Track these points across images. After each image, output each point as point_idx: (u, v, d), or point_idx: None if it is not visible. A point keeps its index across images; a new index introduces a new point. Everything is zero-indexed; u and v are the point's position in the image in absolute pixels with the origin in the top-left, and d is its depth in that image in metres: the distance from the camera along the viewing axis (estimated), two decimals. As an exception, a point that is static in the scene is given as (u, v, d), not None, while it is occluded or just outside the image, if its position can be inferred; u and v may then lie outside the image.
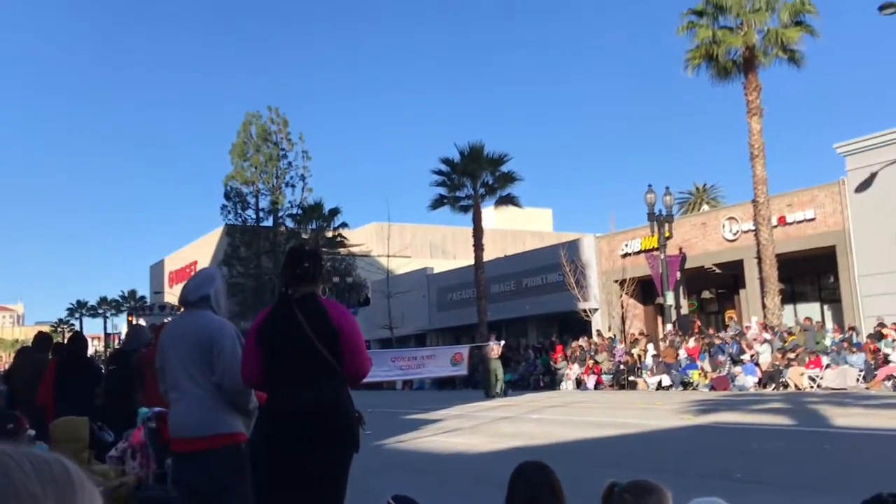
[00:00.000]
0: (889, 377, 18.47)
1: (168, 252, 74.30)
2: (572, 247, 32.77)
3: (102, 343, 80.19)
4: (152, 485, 5.39)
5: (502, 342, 26.82)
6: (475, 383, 27.65)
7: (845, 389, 18.72)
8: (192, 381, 3.86)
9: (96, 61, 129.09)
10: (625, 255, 30.56)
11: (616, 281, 30.45)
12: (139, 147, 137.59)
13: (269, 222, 48.02)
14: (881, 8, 19.53)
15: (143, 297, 78.75)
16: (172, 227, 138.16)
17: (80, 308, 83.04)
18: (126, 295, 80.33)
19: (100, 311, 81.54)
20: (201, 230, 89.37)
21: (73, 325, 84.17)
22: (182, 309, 4.23)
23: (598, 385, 25.30)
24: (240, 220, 47.96)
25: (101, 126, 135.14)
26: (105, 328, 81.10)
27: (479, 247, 33.95)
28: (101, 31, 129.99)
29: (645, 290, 30.58)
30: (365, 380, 16.55)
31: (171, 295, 58.33)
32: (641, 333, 28.39)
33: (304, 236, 43.73)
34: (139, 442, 5.84)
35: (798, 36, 24.11)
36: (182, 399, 3.88)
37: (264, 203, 48.02)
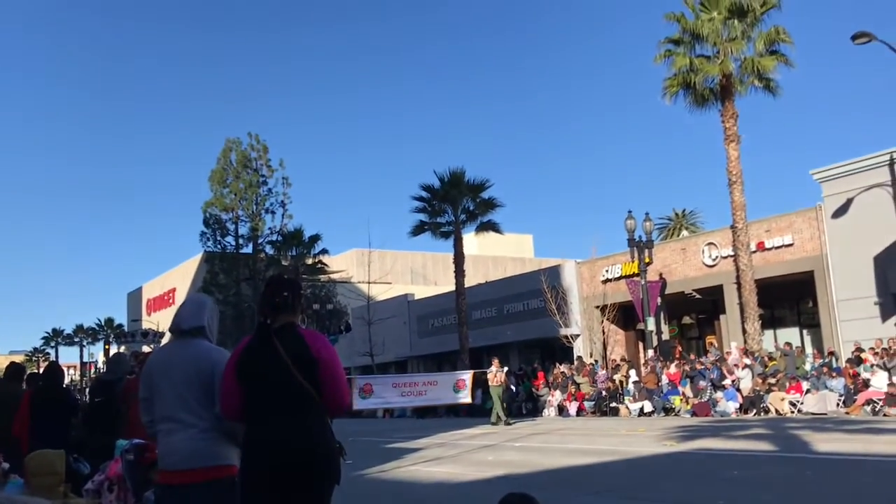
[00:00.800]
0: (868, 402, 18.57)
1: (146, 279, 73.78)
2: (553, 273, 32.86)
3: (79, 372, 79.13)
4: (129, 519, 5.27)
5: (505, 368, 25.95)
6: (480, 411, 26.36)
7: (826, 414, 18.81)
8: (189, 411, 3.77)
9: (73, 82, 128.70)
10: (606, 281, 30.67)
11: (597, 307, 30.53)
12: (115, 172, 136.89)
13: (248, 249, 47.78)
14: (854, 37, 19.91)
15: (120, 325, 77.90)
16: (150, 254, 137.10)
17: (55, 336, 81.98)
18: (103, 323, 79.40)
19: (76, 339, 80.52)
20: (180, 257, 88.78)
21: (48, 353, 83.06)
22: (170, 336, 4.17)
23: (580, 411, 25.24)
24: (219, 246, 47.66)
25: (76, 149, 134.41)
26: (81, 357, 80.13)
27: (460, 273, 33.94)
28: (80, 52, 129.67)
29: (626, 315, 30.67)
30: (367, 407, 18.43)
31: (149, 322, 57.81)
32: (623, 359, 28.42)
33: (285, 263, 43.53)
34: (116, 474, 5.73)
35: (773, 65, 24.50)
36: (177, 430, 3.78)
37: (244, 230, 47.82)
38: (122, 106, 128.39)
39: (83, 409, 7.90)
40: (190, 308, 4.12)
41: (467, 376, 21.70)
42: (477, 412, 26.75)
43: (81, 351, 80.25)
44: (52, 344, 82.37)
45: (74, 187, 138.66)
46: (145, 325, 60.48)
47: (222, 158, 48.06)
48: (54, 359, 70.95)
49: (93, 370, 73.74)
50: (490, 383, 23.00)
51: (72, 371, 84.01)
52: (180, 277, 60.72)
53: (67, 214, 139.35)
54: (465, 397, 21.34)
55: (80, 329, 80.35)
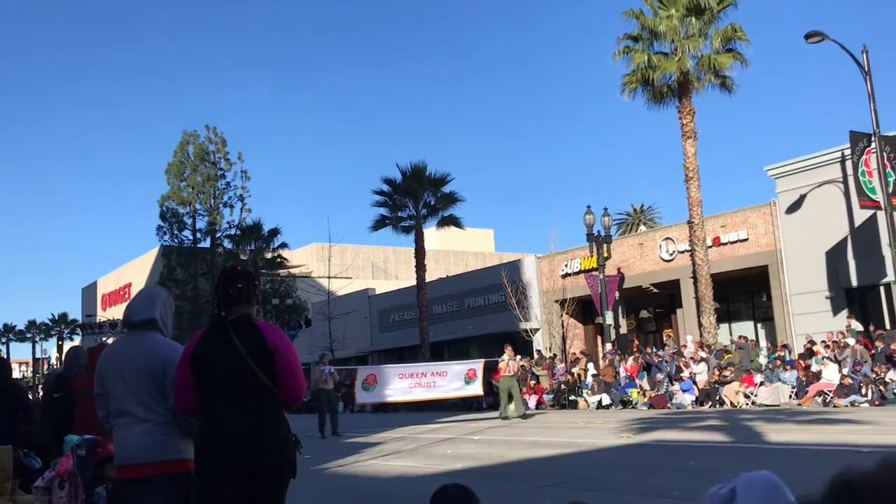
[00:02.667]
0: (819, 393, 19.00)
1: (101, 273, 72.36)
2: (513, 267, 33.01)
3: (31, 368, 77.44)
4: (80, 515, 5.17)
5: (518, 357, 23.81)
6: (491, 405, 24.88)
7: (778, 406, 19.20)
8: (141, 405, 3.73)
9: (28, 69, 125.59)
10: (565, 276, 30.90)
11: (557, 301, 30.75)
12: (67, 163, 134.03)
13: (206, 243, 47.19)
14: (807, 36, 20.29)
15: (74, 320, 76.42)
16: (105, 249, 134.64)
17: (7, 332, 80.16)
18: (56, 318, 77.82)
19: (28, 335, 78.82)
20: (136, 251, 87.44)
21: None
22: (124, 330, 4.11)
23: (539, 405, 25.41)
24: (176, 241, 46.99)
25: (27, 142, 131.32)
26: (34, 353, 78.46)
27: (421, 267, 33.92)
28: (36, 37, 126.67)
29: (585, 309, 30.96)
30: (371, 401, 20.61)
31: (104, 318, 56.74)
32: (582, 353, 28.67)
33: (243, 257, 43.07)
34: (67, 471, 5.61)
35: (729, 62, 24.85)
36: (130, 424, 3.74)
37: (201, 224, 47.22)
38: (76, 96, 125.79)
39: (44, 406, 7.72)
40: (141, 300, 4.06)
41: (478, 366, 20.90)
42: (472, 405, 26.66)
43: (34, 347, 78.66)
44: (4, 340, 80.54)
45: (25, 179, 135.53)
46: (100, 320, 59.41)
47: (179, 151, 47.34)
48: (5, 355, 69.37)
49: (46, 366, 72.24)
50: (502, 373, 20.99)
51: (24, 367, 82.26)
52: (136, 272, 59.70)
53: (19, 208, 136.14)
54: (477, 388, 20.51)
55: (32, 325, 78.73)
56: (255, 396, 3.52)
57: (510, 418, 19.94)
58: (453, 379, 19.92)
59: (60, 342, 71.25)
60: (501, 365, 20.89)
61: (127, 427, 3.75)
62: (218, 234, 46.66)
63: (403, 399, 21.12)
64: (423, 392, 20.08)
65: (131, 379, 3.76)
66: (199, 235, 47.13)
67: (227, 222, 46.74)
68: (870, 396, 17.98)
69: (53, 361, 71.70)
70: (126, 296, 61.38)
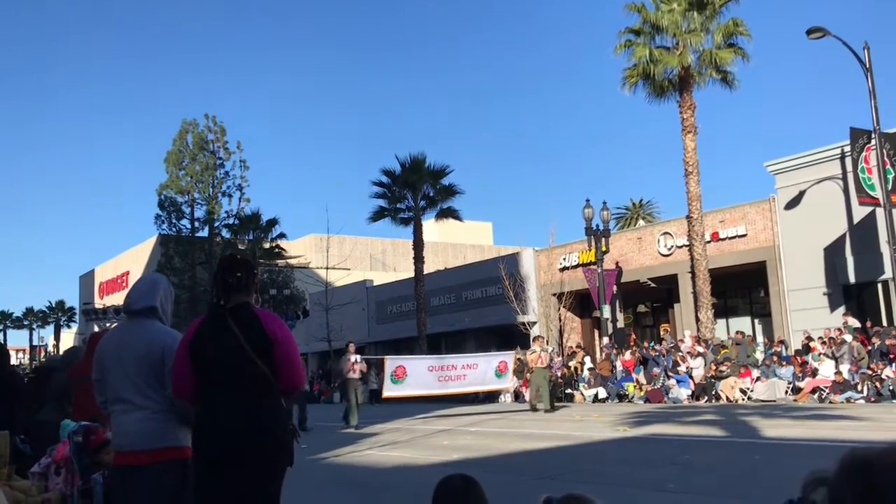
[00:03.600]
0: (815, 389, 19.04)
1: (99, 261, 72.38)
2: (511, 260, 33.01)
3: (28, 355, 77.46)
4: (77, 501, 5.18)
5: (551, 348, 22.94)
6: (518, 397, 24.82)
7: (774, 401, 19.24)
8: (140, 393, 3.73)
9: (21, 59, 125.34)
10: (563, 269, 30.91)
11: (554, 294, 30.78)
12: (66, 150, 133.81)
13: (204, 232, 47.11)
14: (809, 32, 20.26)
15: (71, 308, 76.47)
16: (103, 237, 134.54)
17: (3, 319, 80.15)
18: (54, 305, 77.79)
19: (25, 322, 78.81)
20: (134, 240, 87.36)
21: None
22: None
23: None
24: (174, 229, 46.90)
25: (27, 128, 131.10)
26: (31, 340, 78.48)
27: (419, 259, 33.92)
28: (34, 24, 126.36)
29: (582, 303, 30.98)
30: (399, 394, 19.10)
31: (108, 305, 56.72)
32: (579, 346, 28.70)
33: (241, 247, 43.05)
34: (64, 457, 5.62)
35: (731, 58, 24.82)
36: (129, 411, 3.74)
37: (200, 213, 47.13)
38: (75, 83, 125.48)
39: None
40: (142, 288, 4.05)
41: (509, 358, 20.11)
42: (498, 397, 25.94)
43: (31, 334, 78.66)
44: (1, 327, 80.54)
45: (25, 167, 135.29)
46: (105, 306, 59.39)
47: (178, 140, 47.20)
48: (2, 342, 69.38)
49: (42, 353, 72.25)
50: (531, 365, 20.15)
51: (21, 354, 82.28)
52: (134, 260, 59.67)
53: (17, 194, 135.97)
54: (507, 381, 19.79)
55: (29, 312, 78.70)
56: (254, 385, 3.53)
57: (539, 410, 19.15)
58: (484, 372, 19.10)
59: (58, 329, 71.30)
60: (532, 357, 20.14)
61: (125, 414, 3.75)
62: (216, 224, 46.59)
63: (433, 392, 20.36)
64: (453, 385, 19.24)
65: (130, 366, 3.76)
66: (197, 224, 47.06)
67: (226, 212, 46.68)
68: (865, 393, 18.01)
69: (50, 349, 71.72)
70: (124, 284, 61.39)
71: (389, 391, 19.45)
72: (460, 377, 18.78)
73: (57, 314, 77.24)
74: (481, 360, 20.03)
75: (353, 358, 18.02)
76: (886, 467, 0.83)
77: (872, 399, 17.79)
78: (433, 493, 2.86)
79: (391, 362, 19.44)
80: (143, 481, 3.64)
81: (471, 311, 34.75)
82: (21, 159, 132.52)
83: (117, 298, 55.95)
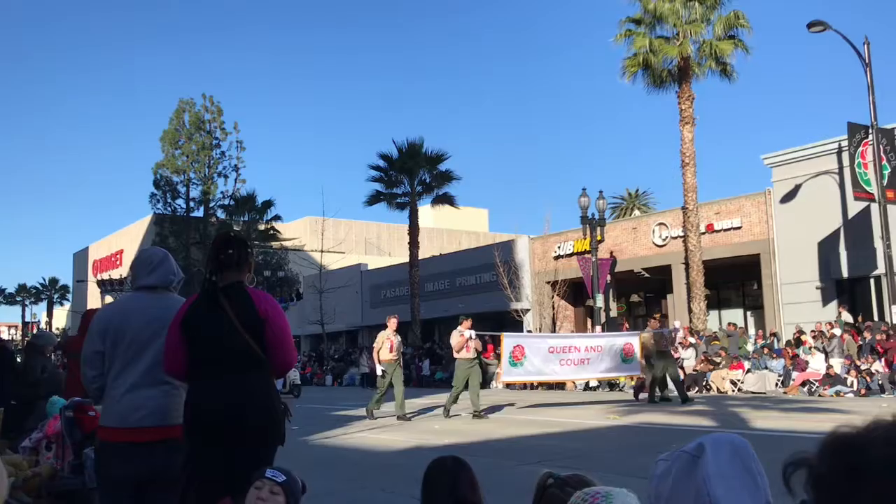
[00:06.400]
0: (805, 382, 19.14)
1: (93, 239, 72.16)
2: (506, 247, 33.03)
3: (20, 331, 77.34)
4: (68, 475, 5.20)
5: (678, 325, 20.32)
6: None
7: (764, 393, 19.34)
8: (159, 367, 3.63)
9: (19, 34, 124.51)
10: (557, 258, 30.95)
11: (548, 282, 30.83)
12: (61, 127, 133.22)
13: (199, 213, 46.99)
14: (809, 26, 20.22)
15: (65, 286, 76.28)
16: (98, 214, 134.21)
17: (-4, 295, 79.92)
18: (47, 282, 77.61)
19: (18, 298, 78.62)
20: (129, 218, 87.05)
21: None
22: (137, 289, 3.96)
23: (526, 384, 25.50)
24: (169, 209, 46.76)
25: (24, 104, 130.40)
26: (23, 317, 78.32)
27: (414, 244, 33.93)
28: (25, 5, 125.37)
29: (576, 291, 31.05)
30: (519, 379, 16.42)
31: (95, 284, 56.64)
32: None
33: (236, 228, 42.96)
34: (55, 432, 5.64)
35: (731, 49, 24.77)
36: (145, 386, 3.65)
37: (195, 193, 46.95)
38: (70, 60, 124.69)
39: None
40: (167, 263, 3.97)
41: (635, 340, 17.31)
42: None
43: (24, 310, 78.46)
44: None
45: (20, 143, 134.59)
46: (91, 286, 59.31)
47: (175, 119, 46.97)
48: (-5, 318, 69.30)
49: (35, 330, 72.17)
50: (657, 348, 17.33)
51: (13, 330, 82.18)
52: (128, 239, 59.54)
53: (12, 170, 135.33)
54: (635, 368, 17.17)
55: (22, 288, 78.49)
56: (245, 363, 3.53)
57: (657, 401, 16.74)
58: (608, 355, 16.66)
59: (51, 306, 71.19)
60: (646, 337, 17.57)
61: (139, 389, 3.65)
62: (211, 204, 46.46)
63: (555, 379, 18.37)
64: (575, 371, 16.97)
65: (152, 339, 3.68)
66: (192, 204, 46.93)
67: (221, 192, 46.51)
68: (855, 387, 18.11)
69: (43, 325, 71.65)
70: (118, 262, 61.28)
71: (509, 376, 16.78)
72: (583, 361, 16.37)
73: (50, 291, 77.09)
74: (605, 342, 17.36)
75: (467, 333, 15.07)
76: (868, 445, 0.84)
77: (863, 392, 17.89)
78: (424, 474, 2.88)
79: (509, 340, 16.56)
80: (155, 457, 3.60)
81: (465, 297, 34.79)
82: (15, 135, 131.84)
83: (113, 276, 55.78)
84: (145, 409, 3.62)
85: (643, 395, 17.36)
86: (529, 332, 29.58)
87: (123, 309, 3.90)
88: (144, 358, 3.69)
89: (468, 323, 15.37)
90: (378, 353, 15.01)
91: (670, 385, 17.34)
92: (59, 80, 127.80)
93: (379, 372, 15.00)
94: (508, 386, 21.90)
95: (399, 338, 15.39)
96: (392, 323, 15.26)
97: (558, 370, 16.62)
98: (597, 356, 16.63)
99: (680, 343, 22.55)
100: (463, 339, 14.99)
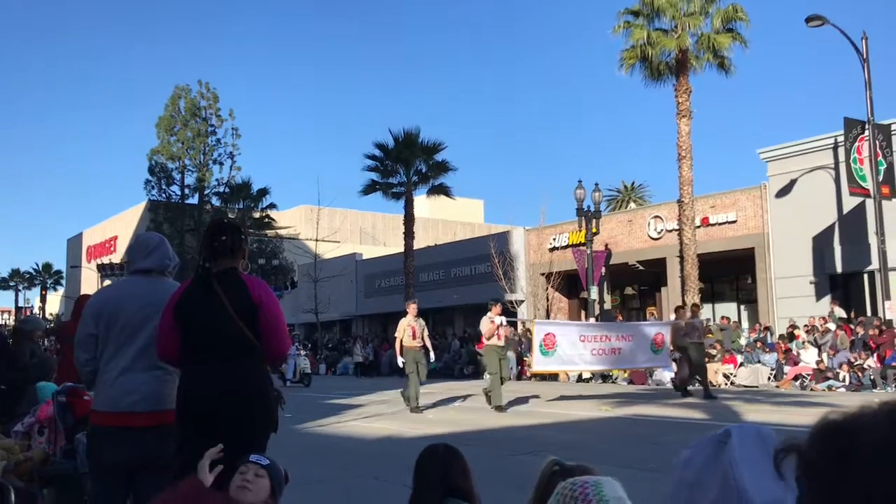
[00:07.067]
0: (797, 377, 19.21)
1: (87, 225, 71.99)
2: (502, 239, 33.03)
3: (13, 316, 77.13)
4: (60, 460, 5.19)
5: (706, 318, 19.25)
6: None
7: (757, 387, 19.39)
8: (151, 351, 3.61)
9: (10, 20, 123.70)
10: (552, 249, 30.97)
11: (543, 274, 30.85)
12: (55, 112, 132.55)
13: (194, 200, 46.82)
14: (808, 20, 20.20)
15: (58, 271, 76.06)
16: (92, 200, 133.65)
17: (-11, 280, 79.60)
18: (40, 268, 77.38)
19: (11, 283, 78.37)
20: (123, 204, 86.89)
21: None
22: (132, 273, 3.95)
23: (521, 376, 25.58)
24: (164, 196, 46.59)
25: (14, 88, 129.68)
26: (16, 301, 78.08)
27: (409, 235, 33.90)
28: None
29: (570, 283, 31.09)
30: (550, 368, 15.79)
31: (89, 269, 56.54)
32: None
33: (231, 215, 42.86)
34: (47, 417, 5.62)
35: (729, 43, 24.72)
36: (137, 370, 3.63)
37: (190, 180, 46.75)
38: (65, 44, 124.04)
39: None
40: (156, 245, 3.96)
41: (665, 330, 16.60)
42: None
43: (17, 295, 78.23)
44: (-14, 287, 80.00)
45: (14, 127, 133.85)
46: (84, 272, 59.19)
47: (171, 105, 46.74)
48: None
49: (29, 314, 72.01)
50: (689, 339, 16.43)
51: (6, 315, 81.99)
52: (123, 225, 59.38)
53: (5, 156, 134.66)
54: (664, 359, 16.78)
55: (16, 273, 78.22)
56: (238, 349, 3.52)
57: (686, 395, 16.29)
58: (639, 345, 16.05)
59: (44, 291, 71.03)
60: (691, 328, 16.64)
61: (131, 373, 3.63)
62: (206, 191, 46.31)
63: (586, 368, 18.13)
64: (607, 361, 16.40)
65: (147, 324, 3.66)
66: (187, 191, 46.75)
67: (216, 179, 46.32)
68: (847, 382, 18.19)
69: (36, 311, 71.52)
70: (112, 248, 61.15)
71: (540, 364, 16.01)
72: (615, 351, 15.78)
73: (43, 276, 76.87)
74: (636, 331, 16.80)
75: (497, 320, 14.33)
76: (857, 430, 0.83)
77: (855, 387, 17.96)
78: (416, 461, 2.88)
79: (540, 328, 15.79)
80: (147, 443, 3.58)
81: (459, 288, 34.80)
82: (9, 118, 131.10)
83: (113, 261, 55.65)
84: (137, 394, 3.60)
85: (691, 389, 16.50)
86: (523, 322, 29.60)
87: (118, 292, 3.89)
88: (137, 342, 3.67)
89: (498, 308, 14.66)
90: (401, 341, 14.32)
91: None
92: (50, 65, 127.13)
93: (400, 363, 14.43)
94: (533, 376, 22.01)
95: (422, 323, 14.63)
96: (412, 309, 14.65)
97: (589, 359, 15.95)
98: (627, 346, 16.01)
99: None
100: (493, 325, 14.20)
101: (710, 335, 22.13)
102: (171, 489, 3.00)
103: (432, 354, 14.95)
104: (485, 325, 14.39)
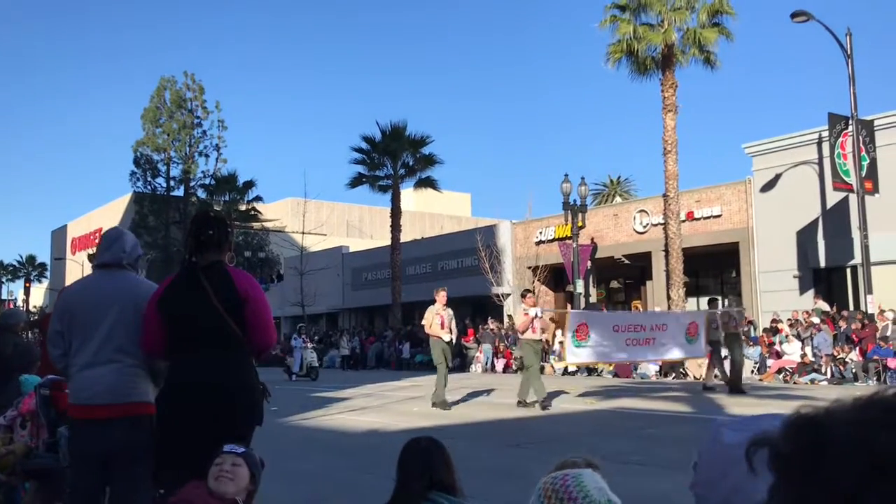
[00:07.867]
0: (780, 370, 19.36)
1: (71, 217, 71.46)
2: (488, 232, 33.06)
3: (-4, 309, 76.53)
4: (42, 453, 5.17)
5: (742, 308, 18.92)
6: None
7: (740, 380, 19.50)
8: (114, 346, 3.63)
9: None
10: (539, 243, 31.04)
11: (529, 267, 30.92)
12: (38, 101, 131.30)
13: (180, 192, 46.59)
14: (793, 16, 20.28)
15: (42, 263, 75.56)
16: (77, 191, 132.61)
17: (-27, 272, 78.96)
18: (24, 260, 76.84)
19: (-5, 275, 77.81)
20: (108, 196, 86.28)
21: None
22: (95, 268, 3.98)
23: (507, 368, 25.66)
24: (149, 188, 46.33)
25: (1, 79, 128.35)
26: (0, 293, 77.51)
27: (396, 228, 33.89)
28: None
29: (556, 277, 31.17)
30: (582, 360, 15.01)
31: (74, 262, 56.20)
32: (552, 319, 28.85)
33: (217, 208, 42.66)
34: (29, 410, 5.59)
35: (715, 37, 24.78)
36: (98, 364, 3.63)
37: (176, 172, 46.52)
38: (50, 34, 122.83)
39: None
40: (119, 239, 3.93)
41: (700, 319, 16.00)
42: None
43: (0, 288, 77.67)
44: (-31, 280, 79.36)
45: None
46: (69, 264, 58.80)
47: (156, 97, 46.44)
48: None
49: (12, 307, 71.50)
50: (726, 330, 16.21)
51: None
52: (108, 217, 58.94)
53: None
54: (699, 350, 16.04)
55: (-1, 265, 77.65)
56: (224, 342, 3.52)
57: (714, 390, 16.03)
58: (674, 335, 15.35)
59: (28, 284, 70.45)
60: (726, 319, 16.29)
61: (94, 367, 3.64)
62: (192, 183, 46.07)
63: (620, 360, 17.65)
64: (641, 352, 15.63)
65: (111, 317, 3.66)
66: (172, 183, 46.52)
67: (202, 172, 46.09)
68: (829, 375, 18.35)
69: (20, 303, 70.99)
70: (97, 240, 60.54)
71: (573, 356, 15.07)
72: (649, 341, 14.98)
73: (27, 268, 76.32)
74: (670, 320, 16.04)
75: (533, 311, 13.41)
76: (830, 424, 0.85)
77: (837, 379, 18.12)
78: (400, 454, 2.90)
79: (573, 318, 14.83)
80: (112, 435, 3.58)
81: (446, 281, 34.73)
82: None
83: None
84: (99, 386, 3.62)
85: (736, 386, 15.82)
86: (510, 316, 29.66)
87: (80, 288, 3.94)
88: (97, 336, 3.67)
89: (532, 299, 13.85)
90: (431, 328, 13.43)
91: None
92: (35, 53, 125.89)
93: (434, 357, 13.42)
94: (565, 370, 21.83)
95: (451, 312, 13.62)
96: (441, 297, 13.58)
97: (625, 350, 15.03)
98: (662, 335, 15.18)
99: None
100: (528, 318, 13.28)
101: (748, 322, 21.53)
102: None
103: (453, 341, 14.10)
104: (519, 318, 13.72)
